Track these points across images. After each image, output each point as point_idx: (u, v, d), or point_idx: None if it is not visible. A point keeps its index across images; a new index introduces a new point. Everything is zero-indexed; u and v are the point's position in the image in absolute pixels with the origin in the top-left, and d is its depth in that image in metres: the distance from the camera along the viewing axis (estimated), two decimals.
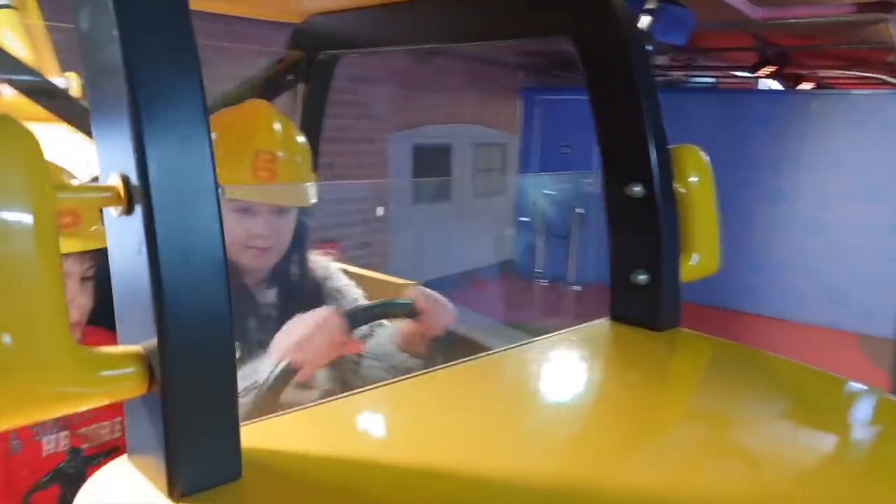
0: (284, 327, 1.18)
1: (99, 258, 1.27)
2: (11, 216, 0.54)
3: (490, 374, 1.07)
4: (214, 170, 0.63)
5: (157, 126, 0.60)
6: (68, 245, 1.16)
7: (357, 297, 1.53)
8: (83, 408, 0.59)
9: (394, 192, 6.68)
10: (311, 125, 1.80)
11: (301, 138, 1.49)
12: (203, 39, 0.65)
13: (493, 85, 7.81)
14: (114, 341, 1.36)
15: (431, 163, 7.10)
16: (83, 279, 1.23)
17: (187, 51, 0.63)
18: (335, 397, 0.89)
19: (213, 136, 1.42)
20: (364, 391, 0.89)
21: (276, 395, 1.10)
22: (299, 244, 1.48)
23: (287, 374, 1.10)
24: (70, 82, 2.07)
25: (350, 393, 0.89)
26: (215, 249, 0.62)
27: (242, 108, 1.46)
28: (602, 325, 1.28)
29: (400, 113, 6.45)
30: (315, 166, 1.77)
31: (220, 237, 0.63)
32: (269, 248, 1.40)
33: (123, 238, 0.62)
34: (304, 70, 1.75)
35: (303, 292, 1.47)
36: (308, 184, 1.47)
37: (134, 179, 0.60)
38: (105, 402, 0.60)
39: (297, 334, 1.14)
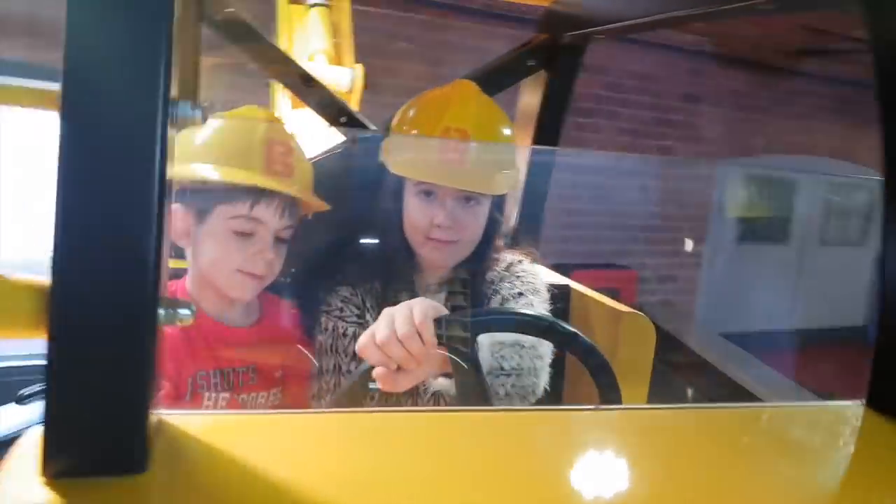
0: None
1: (298, 227, 1.26)
2: None
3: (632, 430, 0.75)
4: (167, 97, 0.50)
5: (88, 15, 0.49)
6: (270, 182, 1.15)
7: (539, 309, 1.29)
8: None
9: (715, 226, 5.99)
10: (551, 116, 1.60)
11: (507, 129, 1.31)
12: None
13: (867, 114, 6.53)
14: (288, 315, 1.36)
15: (767, 198, 6.22)
16: (277, 238, 1.21)
17: None
18: (347, 409, 0.70)
19: (411, 111, 1.34)
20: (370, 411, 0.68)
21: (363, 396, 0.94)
22: (487, 243, 1.30)
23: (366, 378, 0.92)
24: (356, 72, 2.20)
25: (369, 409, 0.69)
26: (143, 183, 0.50)
27: (445, 87, 1.34)
28: (852, 409, 0.85)
29: (734, 138, 5.76)
30: None
31: (157, 178, 0.50)
32: (452, 244, 1.25)
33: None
34: (547, 55, 1.56)
35: (477, 297, 1.29)
36: (503, 171, 1.28)
37: None
38: None
39: (382, 332, 0.94)
